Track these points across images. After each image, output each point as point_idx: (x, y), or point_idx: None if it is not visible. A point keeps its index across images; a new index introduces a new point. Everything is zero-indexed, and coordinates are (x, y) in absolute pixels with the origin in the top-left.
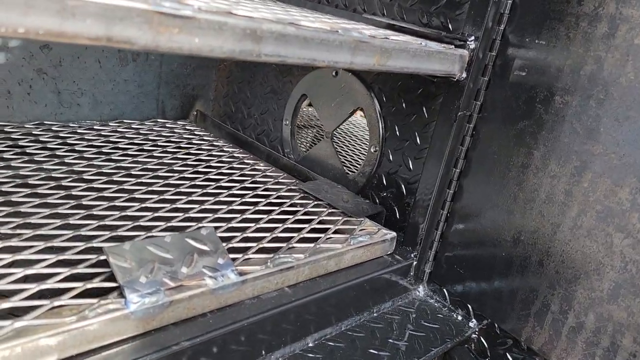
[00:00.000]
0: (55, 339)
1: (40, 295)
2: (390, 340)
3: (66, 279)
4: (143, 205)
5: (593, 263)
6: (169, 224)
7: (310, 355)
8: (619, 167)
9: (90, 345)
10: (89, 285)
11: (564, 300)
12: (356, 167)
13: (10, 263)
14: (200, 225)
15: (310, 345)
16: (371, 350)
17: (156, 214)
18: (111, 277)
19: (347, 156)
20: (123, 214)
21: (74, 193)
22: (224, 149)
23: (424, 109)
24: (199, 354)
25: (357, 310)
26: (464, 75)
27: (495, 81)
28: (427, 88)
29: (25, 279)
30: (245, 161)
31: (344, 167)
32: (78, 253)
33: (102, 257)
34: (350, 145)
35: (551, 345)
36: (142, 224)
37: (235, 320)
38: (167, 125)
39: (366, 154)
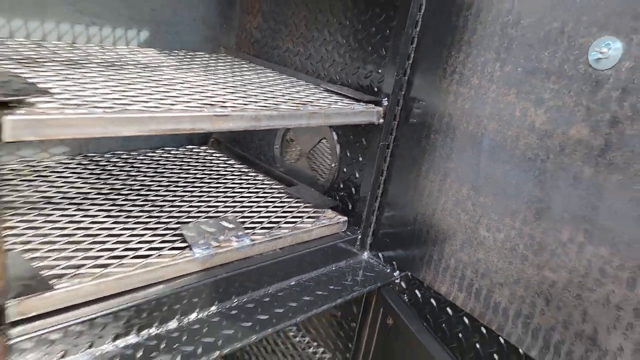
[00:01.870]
0: (163, 270)
1: (148, 249)
2: (343, 282)
3: (162, 242)
4: (191, 202)
5: (451, 230)
6: (209, 214)
7: (294, 289)
8: (461, 176)
9: (178, 273)
10: (175, 245)
11: (439, 253)
12: (323, 176)
13: (128, 236)
14: (227, 214)
15: (293, 283)
16: (331, 287)
17: (201, 208)
18: (184, 241)
19: (317, 169)
20: (182, 208)
21: (149, 198)
22: (234, 166)
23: (363, 139)
24: (229, 282)
25: (323, 265)
26: (382, 121)
27: (401, 124)
28: (361, 130)
29: (139, 243)
30: (249, 174)
31: (316, 176)
32: (165, 230)
33: (178, 232)
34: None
35: (434, 280)
36: (194, 214)
37: (248, 265)
38: (194, 150)
39: (329, 167)
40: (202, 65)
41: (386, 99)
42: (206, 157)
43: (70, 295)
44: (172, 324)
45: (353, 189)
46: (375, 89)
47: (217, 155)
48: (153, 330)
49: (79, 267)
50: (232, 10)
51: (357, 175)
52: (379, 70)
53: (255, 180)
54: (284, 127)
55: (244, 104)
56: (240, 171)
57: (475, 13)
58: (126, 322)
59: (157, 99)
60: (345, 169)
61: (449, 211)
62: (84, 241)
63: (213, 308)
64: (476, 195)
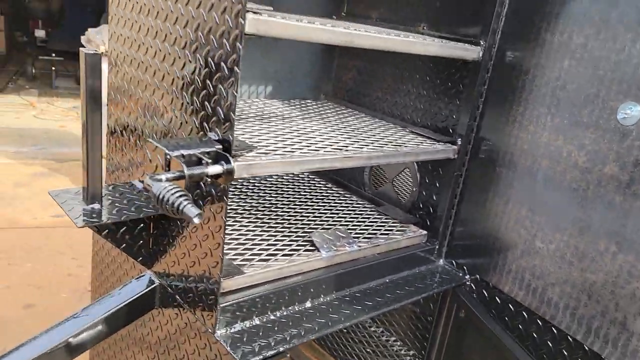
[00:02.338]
0: (301, 265)
1: (291, 250)
2: (425, 282)
3: (299, 245)
4: (311, 218)
5: (513, 242)
6: (323, 226)
7: (388, 285)
8: (521, 200)
9: (310, 268)
10: (307, 248)
11: (503, 260)
12: (404, 198)
13: (277, 239)
14: (337, 226)
15: (387, 280)
16: (415, 285)
17: (316, 221)
18: (313, 245)
19: (400, 192)
20: (304, 221)
21: (287, 214)
22: (333, 189)
23: (440, 169)
24: (344, 277)
25: (408, 269)
26: (456, 156)
27: (472, 158)
28: (438, 162)
29: (285, 245)
30: (345, 195)
31: (398, 198)
32: (298, 237)
33: (308, 239)
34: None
35: (499, 281)
36: (313, 225)
37: (355, 265)
38: (300, 176)
39: (410, 191)
40: (316, 113)
41: (460, 139)
42: (310, 182)
43: (249, 279)
44: (307, 304)
45: (431, 209)
46: (450, 130)
47: (318, 179)
48: (296, 307)
49: (250, 260)
50: (331, 66)
51: (434, 197)
52: (454, 116)
53: (350, 200)
54: (386, 163)
55: (360, 147)
56: (338, 193)
57: (531, 78)
58: (279, 299)
59: (304, 145)
60: (424, 193)
61: (511, 227)
62: (249, 243)
63: (334, 294)
64: (532, 215)
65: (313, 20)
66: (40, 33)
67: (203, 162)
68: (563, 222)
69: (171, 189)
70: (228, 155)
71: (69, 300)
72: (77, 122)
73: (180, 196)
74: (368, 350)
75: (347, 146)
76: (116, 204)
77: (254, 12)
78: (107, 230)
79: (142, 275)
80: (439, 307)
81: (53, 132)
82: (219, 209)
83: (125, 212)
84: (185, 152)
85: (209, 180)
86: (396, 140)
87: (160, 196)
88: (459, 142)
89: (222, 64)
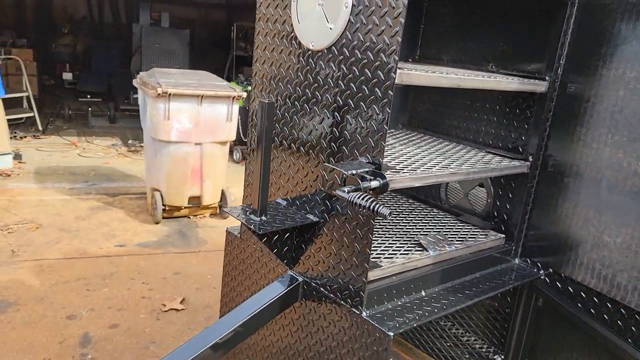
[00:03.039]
0: (416, 262)
1: (406, 250)
2: (503, 278)
3: (411, 246)
4: (410, 226)
5: (583, 238)
6: (422, 231)
7: (476, 279)
8: (587, 204)
9: (422, 264)
10: (416, 249)
11: (575, 254)
12: (478, 208)
13: (387, 245)
14: (432, 231)
15: (477, 276)
16: (497, 280)
17: (417, 228)
18: (421, 247)
19: (474, 203)
20: (408, 229)
21: (381, 223)
22: (415, 203)
23: (512, 182)
24: (446, 272)
25: (492, 266)
26: (527, 171)
27: (541, 171)
28: (512, 176)
29: (403, 246)
30: (428, 208)
31: (474, 208)
32: (406, 240)
33: (416, 241)
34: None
35: (572, 272)
36: (414, 231)
37: (453, 263)
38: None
39: (484, 202)
40: (407, 140)
41: (531, 156)
42: (396, 199)
43: (383, 272)
44: (422, 293)
45: (505, 216)
46: (521, 150)
47: (400, 197)
48: (412, 296)
49: (378, 258)
50: (407, 100)
51: (507, 206)
52: (523, 138)
53: (433, 212)
54: (471, 179)
55: (459, 165)
56: (421, 207)
57: (591, 105)
58: (403, 288)
59: (417, 165)
60: (498, 203)
61: (580, 226)
62: (381, 247)
63: (441, 286)
64: (599, 216)
65: (433, 70)
66: (67, 76)
67: (366, 178)
68: (627, 219)
69: (364, 196)
70: (383, 173)
71: (147, 320)
72: (119, 159)
73: (373, 201)
74: (449, 344)
75: (448, 165)
76: (276, 217)
77: (400, 69)
78: (265, 238)
79: (285, 275)
80: (517, 300)
81: (100, 168)
82: (371, 216)
83: (286, 222)
84: (354, 171)
85: (370, 191)
86: (480, 159)
87: (355, 201)
88: (531, 159)
89: (375, 107)
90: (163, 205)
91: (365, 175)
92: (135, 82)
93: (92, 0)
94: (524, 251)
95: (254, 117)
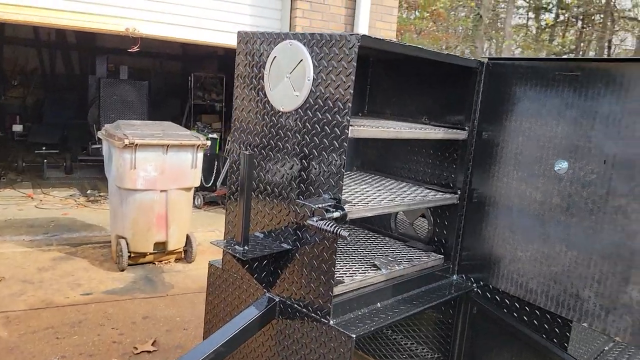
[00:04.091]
0: (372, 279)
1: (364, 270)
2: (444, 291)
3: (368, 267)
4: (367, 251)
5: (503, 254)
6: (376, 255)
7: (421, 294)
8: (504, 226)
9: (376, 281)
10: (372, 269)
11: (498, 268)
12: (422, 235)
13: (358, 266)
14: (384, 254)
15: (423, 290)
16: (438, 292)
17: (372, 252)
18: (376, 266)
19: (418, 231)
20: (366, 253)
21: (343, 249)
22: (370, 233)
23: (447, 212)
24: (395, 287)
25: (434, 282)
26: (458, 202)
27: (468, 202)
28: (446, 207)
29: (362, 267)
30: (380, 237)
31: (418, 234)
32: (363, 262)
33: (371, 262)
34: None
35: (497, 283)
36: (370, 256)
37: (401, 280)
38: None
39: (426, 229)
40: (361, 179)
41: (459, 190)
42: (353, 229)
43: (345, 287)
44: (378, 304)
45: (443, 240)
46: (451, 185)
47: (356, 228)
48: (370, 307)
49: (342, 276)
50: (359, 147)
51: (444, 232)
52: (452, 176)
53: (385, 240)
54: (417, 209)
55: (402, 199)
56: (375, 235)
57: (501, 148)
58: (362, 301)
59: (370, 199)
60: (437, 229)
61: (500, 245)
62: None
63: (392, 299)
64: (513, 235)
65: (377, 125)
66: (18, 128)
67: (330, 210)
68: (533, 237)
69: (329, 223)
70: (343, 205)
71: None
72: (79, 209)
73: (336, 226)
74: (403, 356)
75: (393, 199)
76: (256, 246)
77: (352, 125)
78: (247, 265)
79: (263, 297)
80: (456, 310)
81: (59, 219)
82: (335, 239)
83: (265, 250)
84: (320, 205)
85: (333, 220)
86: (419, 193)
87: (322, 227)
88: (459, 193)
89: (334, 155)
90: (128, 252)
91: (329, 208)
92: (100, 134)
93: (43, 52)
94: (459, 269)
95: (234, 165)
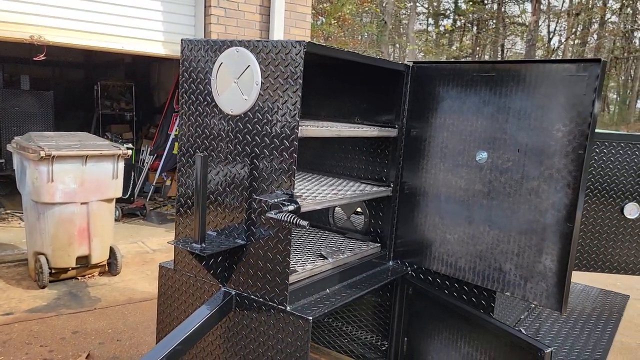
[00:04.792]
0: (320, 268)
1: (313, 260)
2: (382, 275)
3: (317, 257)
4: (312, 243)
5: (433, 238)
6: (321, 246)
7: (362, 279)
8: (434, 213)
9: (325, 269)
10: (319, 258)
11: (429, 251)
12: (359, 227)
13: (298, 257)
14: (329, 245)
15: (363, 276)
16: (376, 278)
17: (318, 244)
18: (322, 256)
19: (355, 224)
20: (312, 245)
21: (306, 242)
22: (311, 228)
23: (381, 204)
24: (341, 273)
25: (372, 269)
26: (391, 194)
27: (401, 193)
28: (381, 199)
29: (302, 259)
30: (321, 231)
31: (356, 227)
32: (311, 254)
33: (318, 253)
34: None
35: (430, 264)
36: (317, 246)
37: (346, 267)
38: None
39: (363, 222)
40: (300, 178)
41: (392, 183)
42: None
43: (298, 276)
44: (327, 290)
45: (379, 230)
46: (384, 179)
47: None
48: (320, 293)
49: (294, 266)
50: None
51: (380, 222)
52: (385, 170)
53: (326, 233)
54: (353, 202)
55: (344, 192)
56: (316, 230)
57: (428, 143)
58: (312, 288)
59: (314, 194)
60: (372, 221)
61: (431, 230)
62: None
63: (339, 284)
64: (442, 220)
65: (320, 125)
66: None
67: (285, 204)
68: (459, 220)
69: (288, 215)
70: (296, 199)
71: None
72: None
73: (294, 217)
74: (346, 340)
75: (336, 193)
76: (212, 244)
77: (301, 125)
78: (204, 262)
79: (219, 291)
80: (394, 293)
81: None
82: (289, 231)
83: (221, 246)
84: (276, 200)
85: (289, 212)
86: (357, 188)
87: (283, 219)
88: (392, 186)
89: (285, 154)
90: (49, 268)
91: (284, 202)
92: (10, 147)
93: None
94: (395, 255)
95: (183, 168)
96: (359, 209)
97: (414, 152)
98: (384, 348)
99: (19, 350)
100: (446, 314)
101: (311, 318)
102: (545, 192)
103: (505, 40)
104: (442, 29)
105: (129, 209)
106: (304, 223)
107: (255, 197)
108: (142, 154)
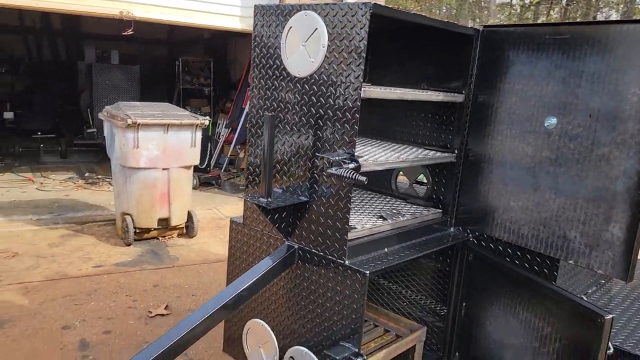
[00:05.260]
0: (380, 228)
1: (374, 221)
2: (443, 240)
3: (373, 218)
4: (374, 206)
5: (497, 205)
6: (383, 209)
7: (423, 242)
8: (498, 180)
9: (384, 229)
10: (379, 219)
11: (492, 217)
12: (421, 193)
13: (359, 217)
14: (389, 208)
15: (423, 239)
16: (437, 242)
17: (379, 207)
18: (382, 217)
19: (418, 190)
20: (374, 208)
21: (355, 205)
22: (373, 194)
23: (444, 171)
24: (400, 235)
25: (432, 233)
26: (454, 160)
27: (465, 160)
28: (444, 166)
29: (363, 220)
30: (383, 196)
31: (417, 193)
32: (372, 215)
33: (379, 215)
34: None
35: (492, 231)
36: (378, 209)
37: (405, 229)
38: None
39: (425, 188)
40: (364, 143)
41: (456, 150)
42: (358, 191)
43: (357, 233)
44: (385, 249)
45: (441, 197)
46: (449, 146)
47: (360, 190)
48: (379, 251)
49: (355, 224)
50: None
51: (442, 189)
52: (450, 137)
53: (387, 199)
54: (414, 166)
55: (406, 156)
56: (378, 195)
57: (495, 109)
58: (371, 246)
59: (377, 157)
60: (435, 187)
61: (494, 197)
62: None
63: (398, 245)
64: (506, 187)
65: (384, 88)
66: (9, 115)
67: (346, 162)
68: (524, 188)
69: (348, 170)
70: (357, 158)
71: (137, 325)
72: (79, 191)
73: (354, 174)
74: (405, 303)
75: (398, 156)
76: (277, 199)
77: (364, 87)
78: (269, 215)
79: (283, 245)
80: (453, 259)
81: (62, 201)
82: (349, 189)
83: (286, 201)
84: (338, 158)
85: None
86: (420, 153)
87: (343, 175)
88: (456, 152)
89: (348, 114)
90: (134, 227)
91: (346, 160)
92: (101, 116)
93: (30, 40)
94: (456, 222)
95: (254, 139)
96: (422, 178)
97: (480, 119)
98: (442, 313)
99: (107, 298)
100: (506, 280)
101: (368, 272)
102: (617, 159)
103: (598, 12)
104: (527, 1)
105: (206, 178)
106: (363, 178)
107: (318, 155)
108: (218, 127)
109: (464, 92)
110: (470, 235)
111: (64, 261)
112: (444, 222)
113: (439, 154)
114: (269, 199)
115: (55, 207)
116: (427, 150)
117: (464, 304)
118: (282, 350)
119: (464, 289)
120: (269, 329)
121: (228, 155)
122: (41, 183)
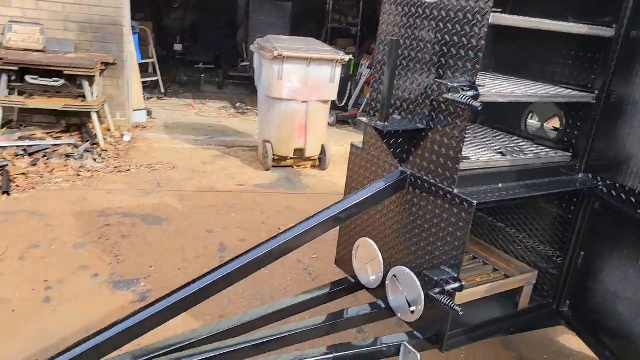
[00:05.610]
0: (495, 158)
1: (486, 154)
2: (570, 184)
3: (492, 153)
4: (496, 142)
5: (632, 153)
6: (508, 144)
7: (549, 183)
8: None
9: (501, 165)
10: (497, 154)
11: (627, 166)
12: (552, 135)
13: (474, 150)
14: (511, 143)
15: (547, 180)
16: (563, 185)
17: (501, 143)
18: (502, 153)
19: (548, 131)
20: (495, 144)
21: (478, 139)
22: (500, 133)
23: (580, 112)
24: (519, 172)
25: (560, 176)
26: (593, 101)
27: (605, 103)
28: (580, 106)
29: (479, 153)
30: (510, 136)
31: (548, 135)
32: (491, 149)
33: (498, 151)
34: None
35: (624, 180)
36: (500, 146)
37: (526, 167)
38: (477, 125)
39: (557, 130)
40: (494, 77)
41: (597, 90)
42: (484, 130)
43: (470, 164)
44: (499, 185)
45: (573, 140)
46: (589, 86)
47: (486, 128)
48: (492, 185)
49: (469, 156)
50: (494, 47)
51: (575, 132)
52: (591, 76)
53: (513, 138)
54: (543, 102)
55: (536, 92)
56: (503, 134)
57: None
58: (484, 179)
59: (503, 90)
60: (568, 130)
61: (635, 144)
62: (471, 153)
63: (514, 182)
64: None
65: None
66: (178, 47)
67: (464, 89)
68: None
69: (463, 96)
70: (476, 87)
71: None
72: (230, 119)
73: (469, 99)
74: (519, 247)
75: (526, 91)
76: (394, 124)
77: (492, 12)
78: (386, 140)
79: (396, 170)
80: (578, 205)
81: (215, 126)
82: (465, 119)
83: (402, 126)
84: (456, 84)
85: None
86: (555, 91)
87: (458, 100)
88: (597, 93)
89: (473, 41)
90: (273, 155)
91: (464, 87)
92: (252, 48)
93: None
94: (586, 167)
95: (378, 75)
96: (557, 125)
97: (630, 57)
98: (558, 260)
99: (245, 212)
100: (633, 231)
101: (475, 202)
102: None
103: None
104: None
105: (343, 116)
106: (477, 104)
107: (437, 80)
108: (361, 67)
109: (614, 26)
110: (600, 182)
111: (212, 177)
112: (572, 167)
113: (575, 92)
114: (386, 123)
115: (209, 131)
116: (562, 89)
117: (582, 252)
118: (387, 269)
119: (584, 238)
120: (376, 248)
121: (367, 96)
122: (200, 109)
